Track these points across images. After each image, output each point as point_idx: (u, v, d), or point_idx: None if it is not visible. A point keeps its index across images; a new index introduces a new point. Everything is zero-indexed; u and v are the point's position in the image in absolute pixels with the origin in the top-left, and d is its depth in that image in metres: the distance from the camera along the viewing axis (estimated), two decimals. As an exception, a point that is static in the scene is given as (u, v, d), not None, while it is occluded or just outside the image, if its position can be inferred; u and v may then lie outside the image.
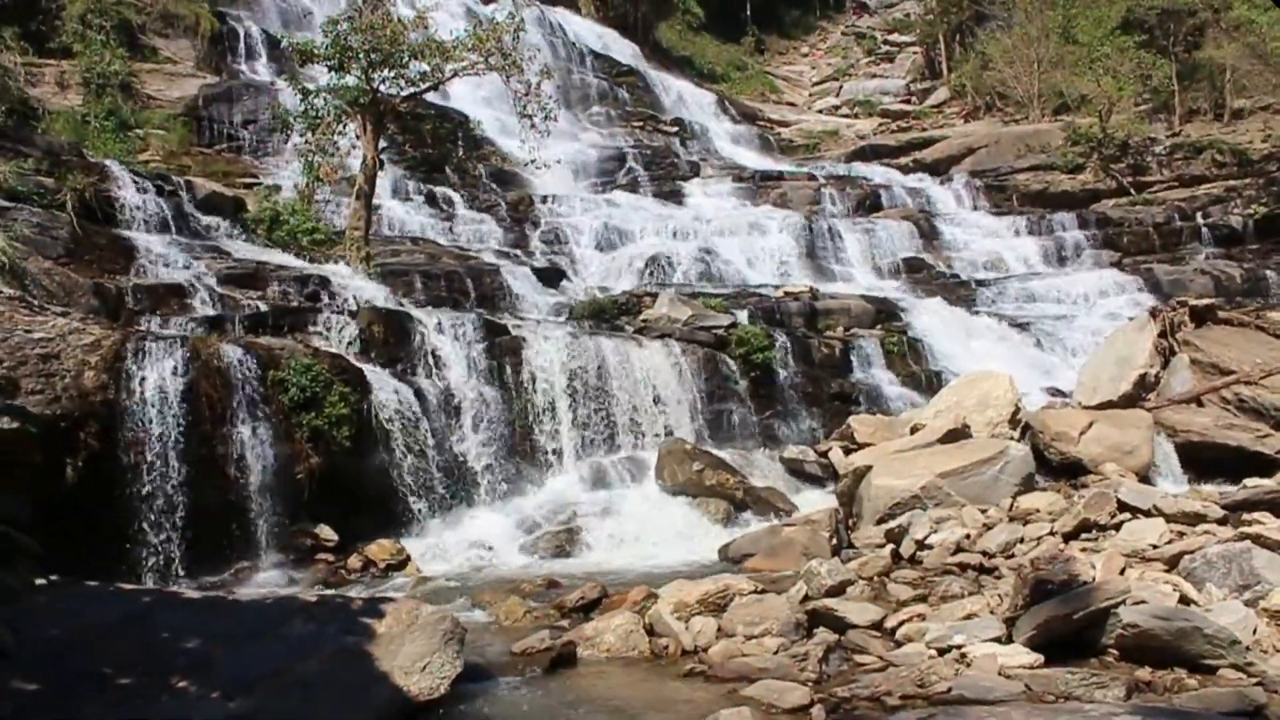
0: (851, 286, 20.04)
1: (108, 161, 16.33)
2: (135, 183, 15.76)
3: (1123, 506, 9.21)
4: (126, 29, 22.88)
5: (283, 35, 22.17)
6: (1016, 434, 12.64)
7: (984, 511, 10.25)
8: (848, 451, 12.92)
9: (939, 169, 29.74)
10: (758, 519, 11.76)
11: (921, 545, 9.60)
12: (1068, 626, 6.58)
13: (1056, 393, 15.12)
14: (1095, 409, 12.94)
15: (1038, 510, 10.08)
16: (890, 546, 9.74)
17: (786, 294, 17.73)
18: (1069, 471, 11.98)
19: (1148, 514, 9.03)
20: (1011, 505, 10.41)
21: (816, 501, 12.18)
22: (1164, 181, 27.02)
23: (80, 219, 14.05)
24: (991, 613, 7.30)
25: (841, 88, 43.27)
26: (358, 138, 16.92)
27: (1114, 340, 14.40)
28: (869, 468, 11.40)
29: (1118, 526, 8.91)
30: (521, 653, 7.38)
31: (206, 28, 24.52)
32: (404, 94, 16.94)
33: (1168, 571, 7.67)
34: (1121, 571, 7.47)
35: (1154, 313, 14.68)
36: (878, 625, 7.47)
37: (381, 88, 16.52)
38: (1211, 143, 27.47)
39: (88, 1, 22.33)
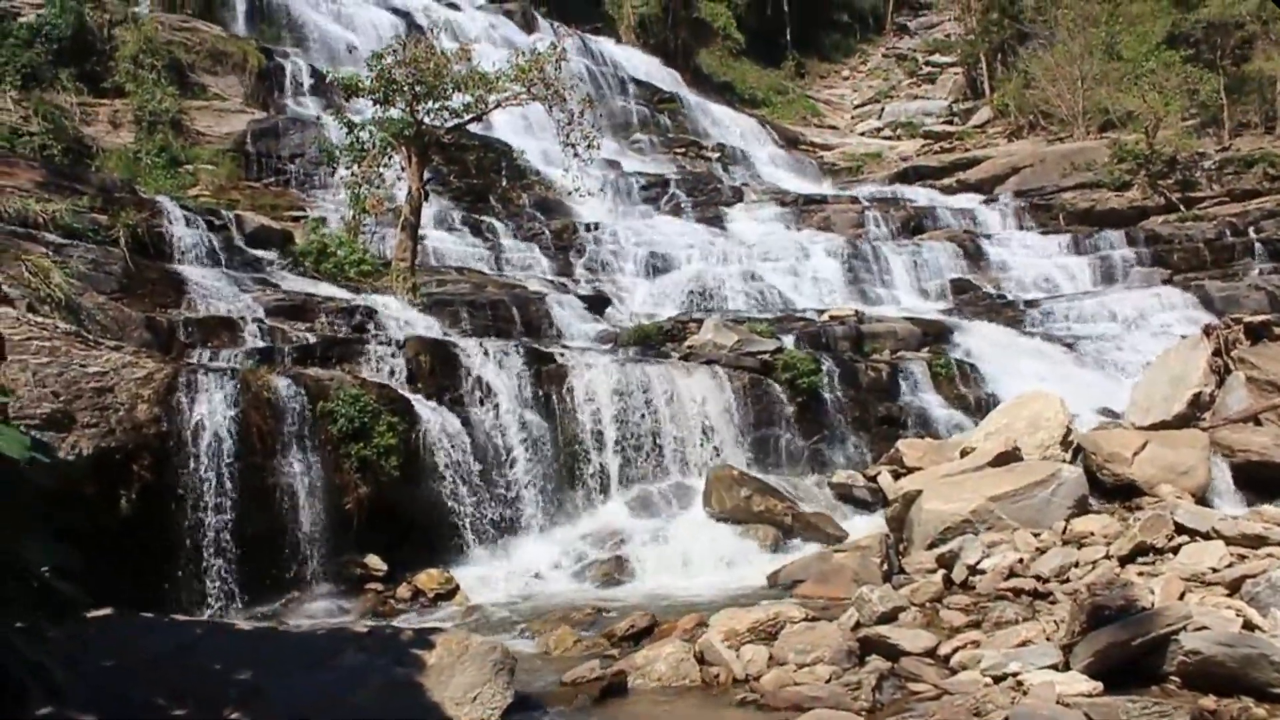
0: (897, 309, 19.92)
1: (159, 197, 16.62)
2: (186, 218, 16.02)
3: (1180, 529, 9.04)
4: (177, 68, 23.35)
5: (328, 70, 22.53)
6: (1068, 456, 12.45)
7: (1036, 535, 10.11)
8: (897, 476, 12.79)
9: (983, 189, 29.56)
10: (807, 545, 11.65)
11: (973, 570, 9.47)
12: (1127, 653, 6.45)
13: (1108, 413, 14.90)
14: (1148, 429, 12.73)
15: (1092, 533, 9.91)
16: (942, 572, 9.61)
17: (832, 318, 17.65)
18: (1123, 493, 11.78)
19: (1206, 536, 8.86)
20: (1065, 528, 10.25)
21: (866, 526, 12.06)
22: (1214, 197, 26.65)
23: (133, 254, 14.31)
24: (1047, 639, 7.17)
25: (883, 110, 43.17)
26: (403, 169, 17.11)
27: (1166, 359, 14.18)
28: (919, 492, 11.28)
29: (1175, 550, 8.74)
30: (572, 682, 7.34)
31: (254, 64, 24.93)
32: (448, 125, 17.13)
33: (1229, 596, 7.51)
34: (1181, 596, 7.33)
35: (1207, 330, 14.43)
36: (931, 652, 7.36)
37: (426, 119, 16.71)
38: (1263, 156, 27.08)
39: (140, 42, 22.83)
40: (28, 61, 21.11)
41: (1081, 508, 10.89)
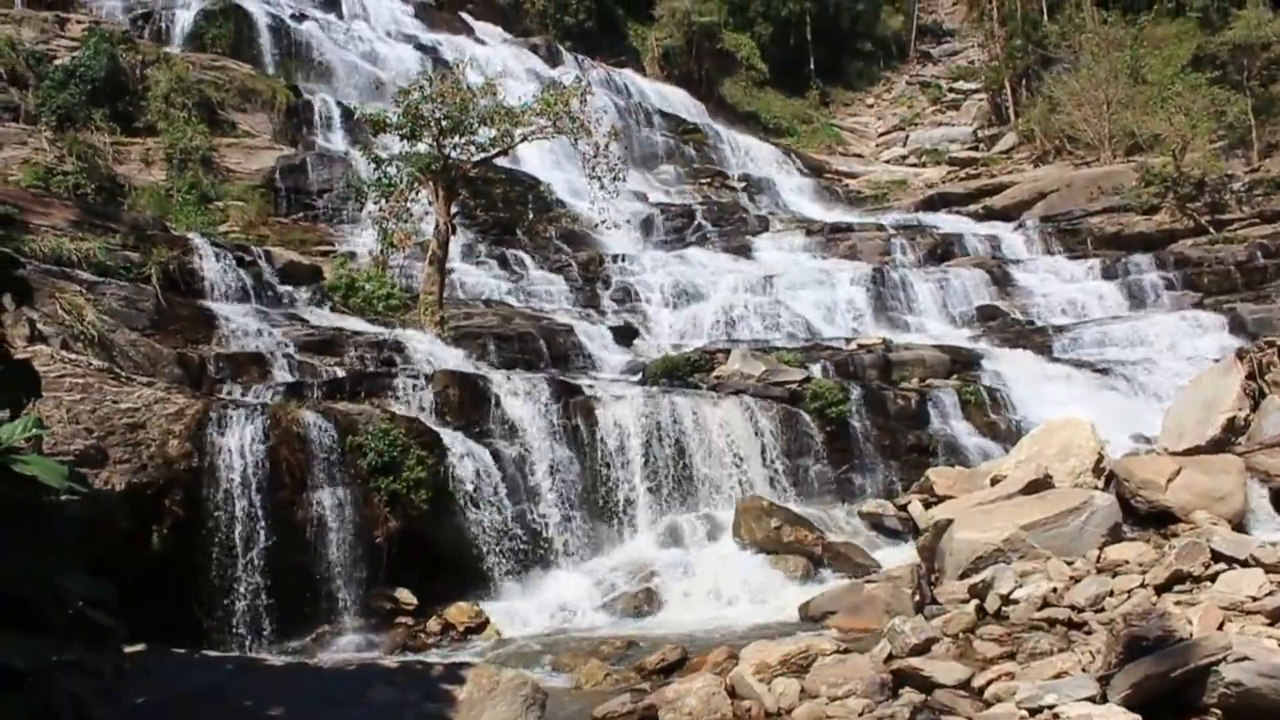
0: (925, 337, 19.84)
1: (190, 234, 16.82)
2: (216, 254, 16.20)
3: (1217, 556, 8.91)
4: (207, 106, 23.68)
5: (356, 107, 22.77)
6: (1100, 483, 12.32)
7: (1070, 564, 9.99)
8: (927, 505, 12.70)
9: (1010, 215, 29.45)
10: (837, 575, 11.57)
11: (1007, 600, 9.36)
12: (1165, 685, 6.35)
13: (1141, 439, 14.76)
14: (1182, 455, 12.58)
15: (1126, 561, 9.80)
16: (975, 602, 9.52)
17: (860, 346, 17.60)
18: (1157, 520, 11.62)
19: (1244, 564, 8.72)
20: (1099, 557, 10.13)
21: (897, 556, 11.96)
22: (1244, 219, 26.40)
23: (164, 291, 14.48)
24: (1084, 670, 7.08)
25: (908, 137, 43.20)
26: (430, 204, 17.23)
27: (1199, 383, 14.03)
28: (950, 521, 11.18)
29: (1213, 578, 8.61)
30: (603, 717, 7.31)
31: (283, 101, 25.24)
32: (475, 159, 17.25)
33: (1271, 625, 7.39)
34: (1220, 625, 7.21)
35: (1240, 354, 14.27)
36: (965, 684, 7.28)
37: (453, 154, 16.84)
38: (1293, 177, 26.86)
39: (171, 81, 23.19)
40: (63, 102, 21.48)
41: (1115, 535, 10.76)
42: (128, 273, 14.46)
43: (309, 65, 27.77)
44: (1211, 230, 25.86)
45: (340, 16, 32.51)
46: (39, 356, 9.76)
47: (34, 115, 21.40)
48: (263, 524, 10.14)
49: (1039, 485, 11.56)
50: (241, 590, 9.91)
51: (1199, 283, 22.84)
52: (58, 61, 22.35)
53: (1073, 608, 8.72)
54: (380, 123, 17.40)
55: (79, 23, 24.09)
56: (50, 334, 11.63)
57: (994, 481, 12.25)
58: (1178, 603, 8.16)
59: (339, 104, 26.09)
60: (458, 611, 10.60)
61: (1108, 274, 23.60)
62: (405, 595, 10.76)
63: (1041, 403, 15.94)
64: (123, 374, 10.70)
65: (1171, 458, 12.51)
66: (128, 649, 7.12)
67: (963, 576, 10.43)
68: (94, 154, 20.98)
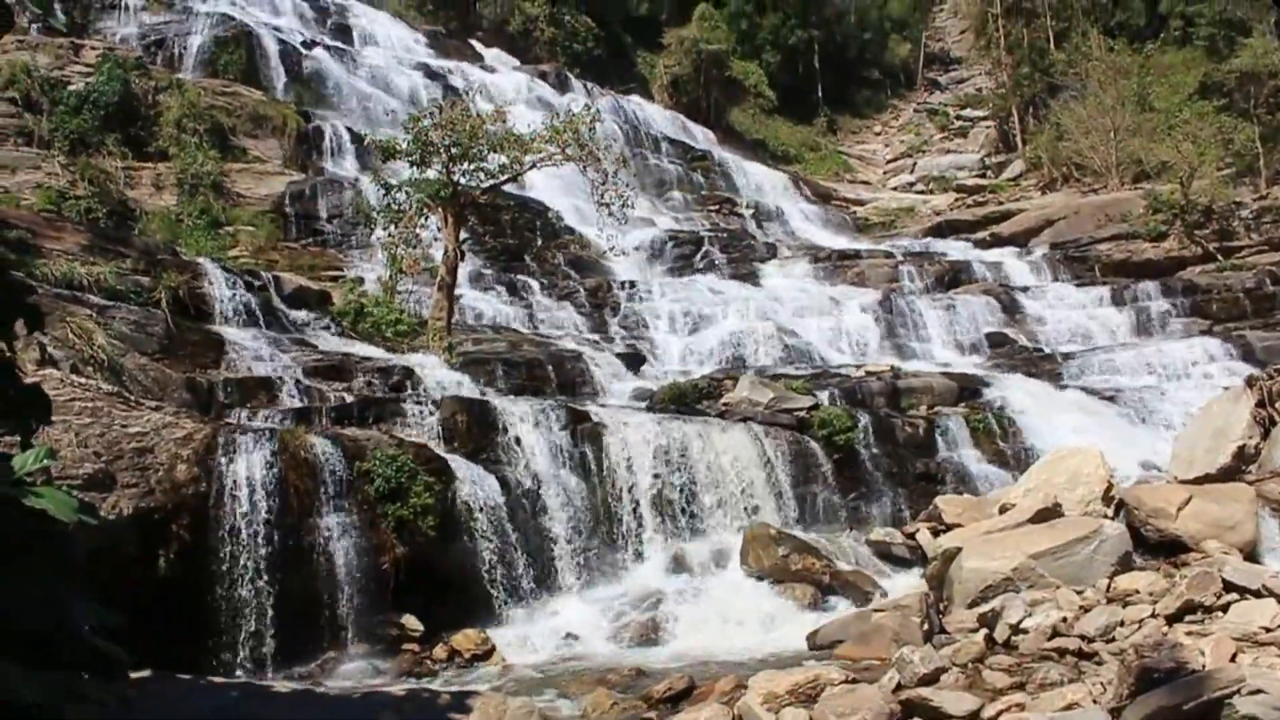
0: (933, 364, 19.82)
1: (200, 259, 16.89)
2: (226, 279, 16.25)
3: (1229, 586, 8.86)
4: (218, 131, 23.85)
5: (366, 133, 22.89)
6: (1110, 511, 12.25)
7: (1080, 593, 9.94)
8: (936, 533, 12.65)
9: (1018, 242, 29.48)
10: (846, 604, 11.51)
11: (1016, 629, 9.31)
12: (1178, 718, 6.30)
13: (1150, 467, 14.70)
14: (1192, 483, 12.52)
15: (1137, 591, 9.75)
16: (984, 631, 9.46)
17: (868, 373, 17.58)
18: (1168, 549, 11.55)
19: (1257, 594, 8.67)
20: (1109, 586, 10.08)
21: (905, 585, 11.89)
22: (1252, 246, 26.40)
23: (174, 315, 14.52)
24: (1095, 702, 7.02)
25: (916, 164, 43.32)
26: (439, 230, 17.29)
27: (1209, 411, 13.99)
28: (958, 549, 11.13)
29: (1225, 608, 8.56)
30: (609, 746, 7.26)
31: (293, 127, 25.41)
32: (484, 186, 17.33)
33: (1283, 657, 7.34)
34: (1233, 657, 7.15)
35: (1250, 381, 14.22)
36: (975, 715, 7.22)
37: (462, 180, 16.92)
38: (1301, 203, 26.86)
39: (184, 107, 23.37)
40: (76, 127, 21.67)
41: (1125, 564, 10.70)
42: (138, 297, 14.51)
43: (319, 91, 27.98)
44: (1220, 257, 25.86)
45: (351, 43, 32.77)
46: (49, 380, 9.78)
47: (48, 140, 21.59)
48: (269, 549, 10.13)
49: (1048, 514, 11.50)
50: (247, 615, 9.89)
51: (1207, 310, 22.82)
52: (72, 87, 22.54)
53: (1083, 638, 8.67)
54: (390, 149, 17.49)
55: (93, 49, 24.30)
56: (60, 358, 11.66)
57: (1003, 510, 12.20)
58: (1189, 633, 8.11)
59: (349, 130, 26.24)
60: (464, 638, 10.56)
61: (1116, 301, 23.58)
62: (411, 621, 10.73)
63: (1050, 430, 15.88)
64: (132, 398, 10.72)
65: (1181, 486, 12.46)
66: (133, 675, 7.11)
67: (972, 605, 10.37)
68: (106, 179, 21.13)
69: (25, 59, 22.49)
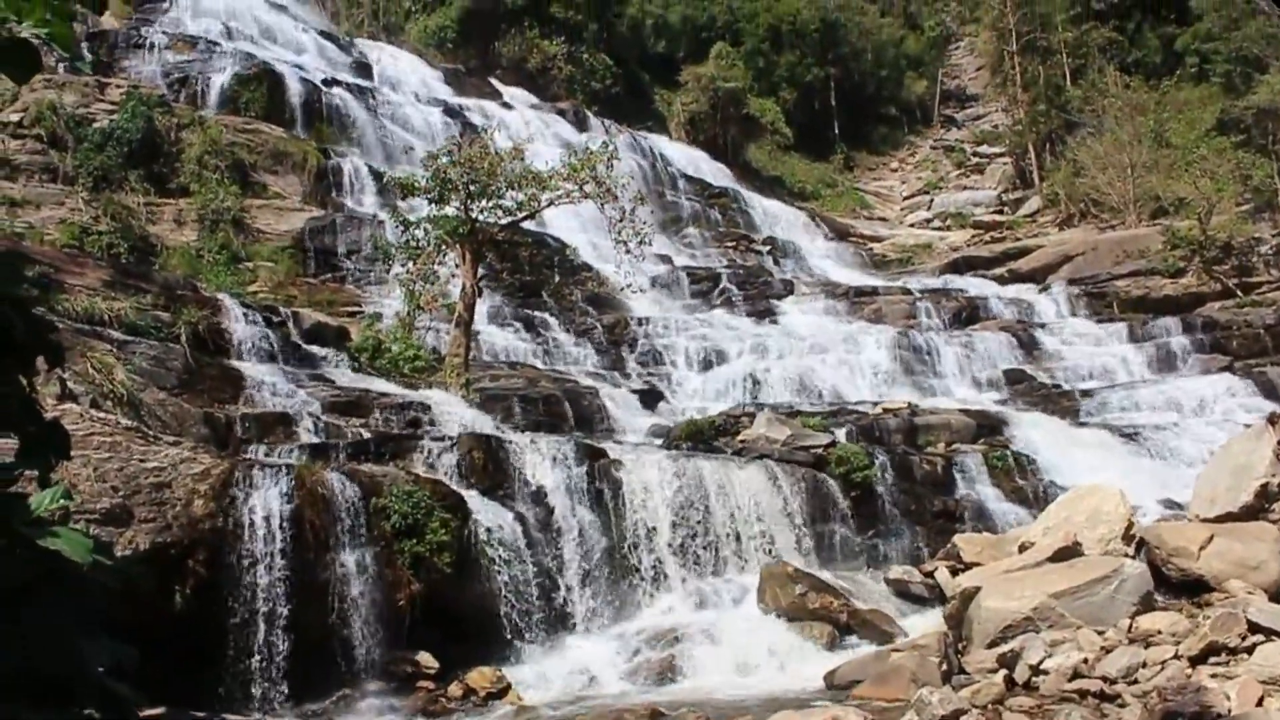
0: (951, 400, 19.75)
1: (220, 295, 17.00)
2: (245, 315, 16.35)
3: (1254, 628, 8.74)
4: (239, 168, 24.10)
5: (385, 170, 23.07)
6: (1131, 550, 12.13)
7: (1101, 633, 9.82)
8: (954, 571, 12.54)
9: (1036, 278, 29.43)
10: (863, 643, 11.42)
11: (1036, 670, 9.20)
12: (1201, 761, 6.21)
13: (1171, 505, 14.59)
14: (1214, 521, 12.38)
15: (1159, 631, 9.62)
16: (1003, 672, 9.35)
17: (885, 410, 17.51)
18: (1190, 589, 11.41)
19: (1281, 636, 8.56)
20: (1130, 626, 9.95)
21: (924, 624, 11.79)
22: (1272, 281, 26.30)
23: (193, 350, 14.61)
24: (1117, 745, 6.93)
25: (933, 201, 43.37)
26: (457, 266, 17.37)
27: (1230, 449, 13.85)
28: (977, 589, 11.03)
29: (1250, 650, 8.44)
30: (625, 787, 7.19)
31: (313, 164, 25.63)
32: (502, 223, 17.40)
33: (1310, 701, 7.22)
34: (1260, 701, 7.05)
35: (1272, 419, 14.08)
36: (995, 758, 7.14)
37: (480, 217, 16.99)
38: (1321, 239, 26.76)
39: (205, 144, 23.64)
40: (100, 164, 21.94)
41: (1147, 604, 10.58)
42: (158, 332, 14.61)
43: (340, 128, 28.24)
44: (1239, 293, 25.76)
45: (371, 81, 33.10)
46: (68, 415, 9.83)
47: (72, 176, 21.85)
48: (285, 585, 10.11)
49: (1068, 553, 11.39)
50: (262, 651, 9.86)
51: (1227, 346, 22.68)
52: (96, 124, 22.84)
53: (1105, 679, 8.56)
54: (409, 186, 17.63)
55: (118, 87, 24.63)
56: (80, 392, 11.73)
57: (1022, 548, 12.09)
58: (1214, 676, 8.00)
59: (368, 167, 26.46)
60: (479, 676, 10.50)
61: (1134, 337, 23.48)
62: (427, 659, 10.68)
63: (1069, 467, 15.81)
64: (150, 433, 10.76)
65: (1203, 525, 12.32)
66: (147, 712, 7.10)
67: (991, 645, 10.27)
68: (128, 214, 21.36)
69: (52, 97, 22.82)
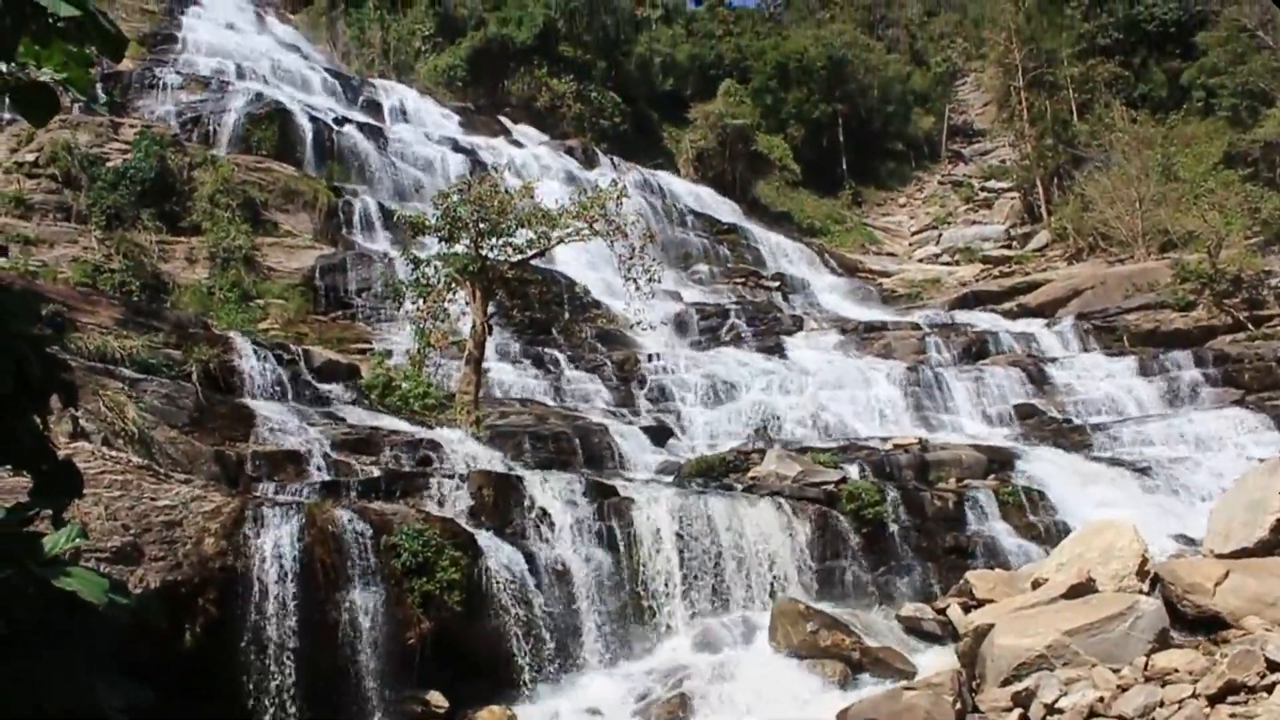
0: (961, 435, 19.68)
1: (231, 333, 17.06)
2: (256, 353, 16.39)
3: (1273, 666, 8.67)
4: (251, 206, 24.29)
5: (395, 208, 23.21)
6: (1145, 586, 12.06)
7: (1116, 671, 9.75)
8: (967, 608, 12.47)
9: (1045, 312, 29.44)
10: (876, 681, 11.32)
11: (1051, 709, 9.14)
12: (1220, 801, 6.14)
13: (1185, 540, 14.48)
14: (1229, 557, 12.31)
15: (1176, 670, 9.54)
16: (1018, 711, 9.29)
17: (896, 446, 17.45)
18: (1206, 626, 11.32)
19: (1300, 674, 8.48)
20: (1146, 664, 9.88)
21: (936, 662, 11.70)
22: (1283, 314, 26.26)
23: (204, 389, 14.62)
24: (1134, 785, 6.86)
25: (941, 235, 43.49)
26: (467, 304, 17.42)
27: (1244, 483, 13.77)
28: (990, 626, 10.96)
29: (1269, 689, 8.37)
30: (636, 828, 7.12)
31: (324, 202, 25.82)
32: (512, 260, 17.45)
33: (1328, 740, 7.15)
34: (1275, 740, 6.98)
35: (1286, 454, 14.05)
36: (1011, 798, 7.06)
37: (490, 255, 17.06)
38: (1330, 272, 26.73)
39: (217, 182, 23.84)
40: (113, 203, 22.15)
41: (1163, 641, 10.50)
42: (169, 370, 14.65)
43: (350, 166, 28.47)
44: (1250, 326, 25.70)
45: (381, 119, 33.39)
46: (80, 453, 9.86)
47: (85, 215, 22.06)
48: (295, 624, 10.07)
49: (1082, 589, 11.33)
50: (272, 690, 9.81)
51: (1239, 380, 22.56)
52: (110, 163, 23.06)
53: (1121, 718, 8.49)
54: (419, 224, 17.71)
55: (131, 126, 24.89)
56: (92, 430, 11.76)
57: (1035, 585, 12.03)
58: (1232, 715, 7.94)
59: (378, 205, 26.64)
60: (489, 715, 10.45)
61: (1145, 371, 23.37)
62: (436, 698, 10.61)
63: (1082, 503, 15.72)
64: (161, 471, 10.77)
65: (1218, 560, 12.25)
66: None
67: (1005, 684, 10.19)
68: (140, 252, 21.51)
69: (67, 137, 23.06)
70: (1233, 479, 14.79)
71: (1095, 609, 10.74)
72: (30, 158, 22.67)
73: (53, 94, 2.63)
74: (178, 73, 29.86)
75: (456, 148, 31.90)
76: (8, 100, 2.59)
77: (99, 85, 26.37)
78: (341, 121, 30.16)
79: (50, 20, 2.48)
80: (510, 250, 17.23)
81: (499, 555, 11.64)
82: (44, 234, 21.34)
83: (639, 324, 18.24)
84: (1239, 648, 9.35)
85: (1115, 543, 12.39)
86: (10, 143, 23.27)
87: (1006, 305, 30.90)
